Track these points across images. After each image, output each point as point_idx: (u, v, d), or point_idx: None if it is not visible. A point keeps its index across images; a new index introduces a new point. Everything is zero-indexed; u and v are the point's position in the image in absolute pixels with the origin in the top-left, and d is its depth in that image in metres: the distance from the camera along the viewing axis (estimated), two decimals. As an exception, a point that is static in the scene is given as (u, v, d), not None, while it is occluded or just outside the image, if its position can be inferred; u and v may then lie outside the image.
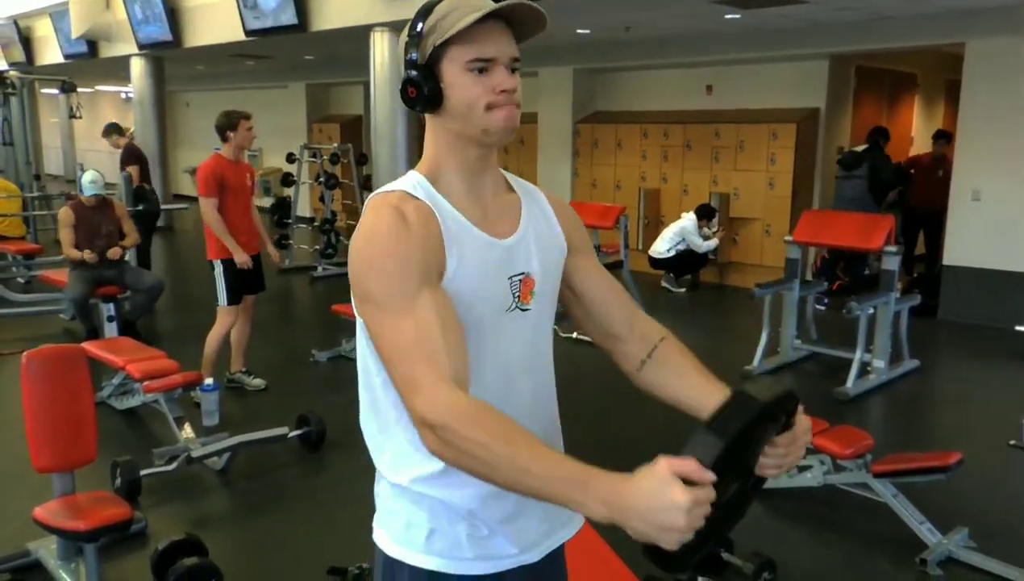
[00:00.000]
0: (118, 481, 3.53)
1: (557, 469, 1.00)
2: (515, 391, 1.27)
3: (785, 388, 1.06)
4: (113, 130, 8.19)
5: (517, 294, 1.26)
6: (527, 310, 1.28)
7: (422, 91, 1.21)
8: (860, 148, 7.65)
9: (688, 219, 8.10)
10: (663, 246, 8.13)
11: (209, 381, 4.31)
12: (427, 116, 1.27)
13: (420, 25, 1.20)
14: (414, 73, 1.21)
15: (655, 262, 8.22)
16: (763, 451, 1.10)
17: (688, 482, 0.91)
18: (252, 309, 4.99)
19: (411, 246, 1.16)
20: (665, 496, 0.90)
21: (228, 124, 4.67)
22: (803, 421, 1.13)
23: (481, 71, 1.19)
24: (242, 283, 4.78)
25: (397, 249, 1.15)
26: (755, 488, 1.13)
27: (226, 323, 4.79)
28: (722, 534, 1.03)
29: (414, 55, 1.21)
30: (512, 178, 1.36)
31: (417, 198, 1.22)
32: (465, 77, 1.19)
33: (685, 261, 8.20)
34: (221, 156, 4.73)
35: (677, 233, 8.08)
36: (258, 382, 5.01)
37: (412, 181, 1.25)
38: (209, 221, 4.65)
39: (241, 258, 4.68)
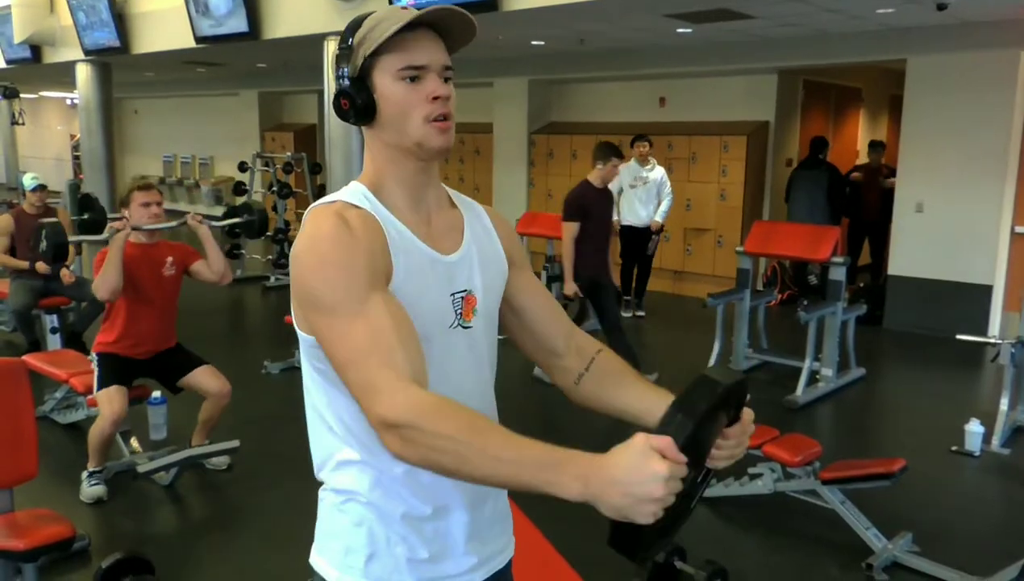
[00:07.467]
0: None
1: (528, 452, 0.98)
2: None
3: (740, 374, 1.10)
4: (612, 152, 5.75)
5: (460, 311, 1.25)
6: (469, 327, 1.27)
7: (355, 102, 1.21)
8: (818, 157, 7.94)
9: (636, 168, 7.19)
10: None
11: (157, 394, 4.21)
12: (364, 129, 1.26)
13: (350, 38, 1.22)
14: (346, 84, 1.21)
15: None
16: (715, 443, 1.10)
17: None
18: (218, 383, 3.77)
19: (356, 250, 1.14)
20: (646, 467, 0.91)
21: (122, 199, 3.61)
22: (749, 412, 1.14)
23: (413, 79, 1.19)
24: (125, 374, 3.61)
25: (342, 254, 1.13)
26: (705, 480, 1.14)
27: (107, 413, 3.46)
28: (678, 525, 1.06)
29: (345, 68, 1.22)
30: (454, 194, 1.36)
31: (360, 207, 1.20)
32: (397, 86, 1.19)
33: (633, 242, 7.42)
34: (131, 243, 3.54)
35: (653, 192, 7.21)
36: (221, 460, 3.98)
37: (354, 191, 1.24)
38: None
39: None
